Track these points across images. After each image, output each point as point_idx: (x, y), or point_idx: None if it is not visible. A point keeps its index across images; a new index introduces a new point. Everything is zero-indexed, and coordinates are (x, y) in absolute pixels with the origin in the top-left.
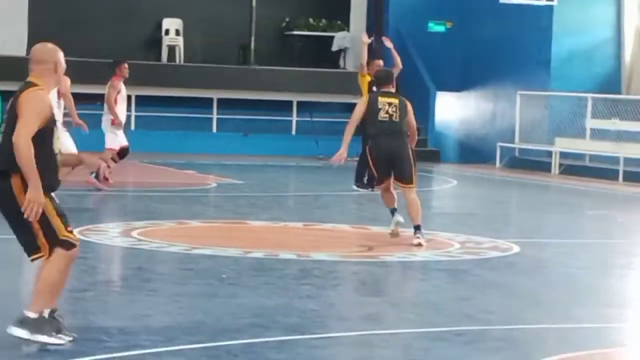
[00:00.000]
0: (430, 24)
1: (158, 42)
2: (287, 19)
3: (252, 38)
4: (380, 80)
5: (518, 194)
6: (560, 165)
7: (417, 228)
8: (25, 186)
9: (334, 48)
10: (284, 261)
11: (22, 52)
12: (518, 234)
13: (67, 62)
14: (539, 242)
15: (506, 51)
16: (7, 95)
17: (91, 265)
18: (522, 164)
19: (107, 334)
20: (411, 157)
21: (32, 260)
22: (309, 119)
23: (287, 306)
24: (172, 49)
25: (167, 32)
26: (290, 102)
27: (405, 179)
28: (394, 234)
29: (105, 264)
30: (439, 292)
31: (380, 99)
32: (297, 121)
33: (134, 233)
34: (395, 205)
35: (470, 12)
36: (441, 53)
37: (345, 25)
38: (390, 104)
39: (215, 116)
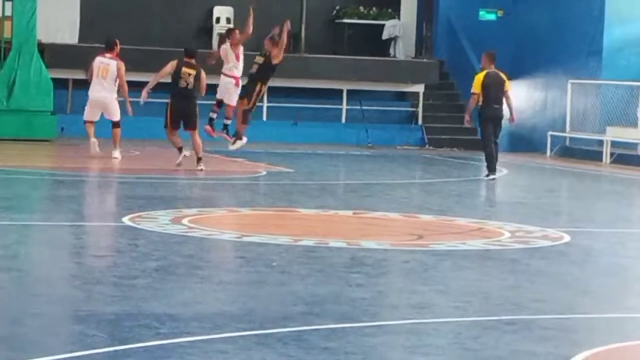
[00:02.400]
0: (481, 12)
1: (209, 30)
2: (338, 7)
3: (303, 26)
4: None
5: (568, 183)
6: (612, 154)
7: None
8: None
9: (384, 36)
10: (334, 249)
11: (74, 40)
12: (569, 223)
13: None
14: (589, 232)
15: (557, 40)
16: (60, 82)
17: (142, 252)
18: (573, 153)
19: (158, 321)
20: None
21: None
22: (358, 107)
23: (338, 294)
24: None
25: (217, 20)
26: (340, 91)
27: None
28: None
29: (155, 251)
30: (488, 280)
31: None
32: (347, 109)
33: (185, 220)
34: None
35: (521, 0)
36: (492, 41)
37: (395, 14)
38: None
39: (265, 104)
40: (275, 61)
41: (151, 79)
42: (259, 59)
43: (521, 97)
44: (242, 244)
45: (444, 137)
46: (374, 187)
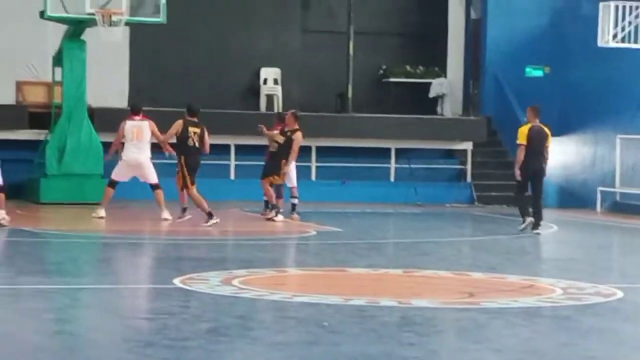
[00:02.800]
0: (528, 69)
1: (256, 91)
2: (384, 67)
3: (350, 86)
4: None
5: (620, 239)
6: None
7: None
8: None
9: (431, 94)
10: (385, 308)
11: (123, 104)
12: (621, 280)
13: (165, 112)
14: None
15: (605, 95)
16: (110, 146)
17: (193, 314)
18: (623, 208)
19: None
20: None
21: None
22: (407, 165)
23: (389, 354)
24: (270, 98)
25: (265, 81)
26: (388, 149)
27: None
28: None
29: (207, 312)
30: (541, 338)
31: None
32: (395, 168)
33: (235, 281)
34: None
35: (568, 56)
36: (539, 98)
37: (442, 72)
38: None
39: (313, 164)
40: (296, 142)
41: (162, 138)
42: (280, 138)
43: (570, 152)
44: (293, 304)
45: (493, 194)
46: (423, 245)
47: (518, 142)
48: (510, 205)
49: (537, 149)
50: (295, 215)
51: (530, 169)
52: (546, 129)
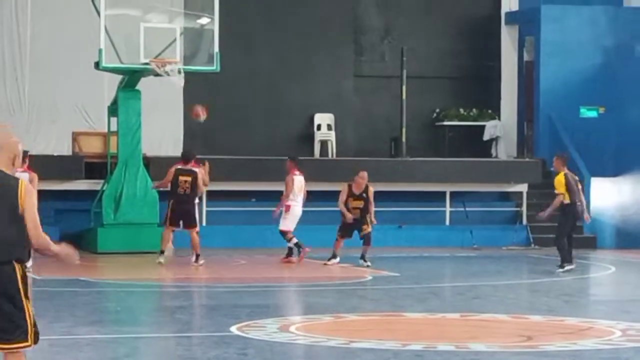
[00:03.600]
0: (582, 110)
1: (310, 137)
2: (438, 110)
3: (403, 130)
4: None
5: None
6: None
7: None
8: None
9: (486, 137)
10: (443, 353)
11: (178, 153)
12: None
13: (220, 160)
14: None
15: None
16: (165, 194)
17: None
18: None
19: None
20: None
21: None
22: (462, 208)
23: None
24: (324, 144)
25: (319, 127)
26: (444, 193)
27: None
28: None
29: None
30: None
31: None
32: (450, 211)
33: (292, 328)
34: None
35: (622, 96)
36: (594, 138)
37: (496, 114)
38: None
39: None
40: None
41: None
42: (358, 203)
43: (626, 193)
44: (350, 350)
45: (549, 236)
46: (480, 288)
47: (557, 191)
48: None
49: (577, 194)
50: (294, 258)
51: (573, 212)
52: (575, 176)
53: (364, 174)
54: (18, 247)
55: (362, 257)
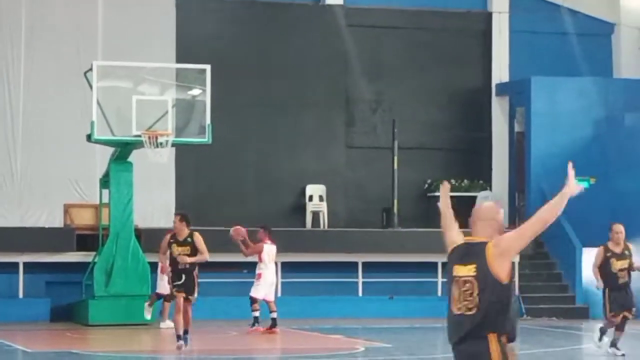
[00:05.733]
0: None
1: (302, 208)
2: (429, 181)
3: (395, 201)
4: None
5: None
6: None
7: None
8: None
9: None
10: None
11: (169, 224)
12: None
13: (211, 232)
14: None
15: None
16: (157, 266)
17: None
18: None
19: None
20: None
21: None
22: None
23: None
24: (316, 215)
25: (310, 198)
26: (435, 263)
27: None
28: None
29: None
30: None
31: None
32: (442, 282)
33: None
34: None
35: (613, 166)
36: (586, 209)
37: (487, 185)
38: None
39: (360, 280)
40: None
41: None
42: (622, 263)
43: None
44: None
45: (542, 306)
46: None
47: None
48: (560, 318)
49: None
50: (276, 329)
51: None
52: None
53: (620, 227)
54: None
55: (614, 344)
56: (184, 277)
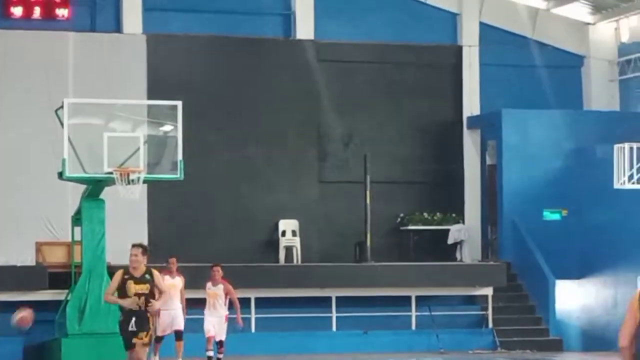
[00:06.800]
0: (546, 213)
1: (275, 243)
2: (402, 214)
3: (368, 235)
4: None
5: None
6: None
7: None
8: None
9: (450, 241)
10: None
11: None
12: None
13: (183, 268)
14: None
15: (624, 236)
16: None
17: None
18: None
19: None
20: None
21: None
22: (428, 313)
23: None
24: (289, 250)
25: (283, 233)
26: (409, 297)
27: None
28: None
29: None
30: None
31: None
32: (416, 316)
33: None
34: None
35: (585, 198)
36: (558, 241)
37: (460, 218)
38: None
39: (334, 315)
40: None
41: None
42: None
43: (591, 295)
44: None
45: (515, 339)
46: None
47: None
48: (534, 350)
49: None
50: None
51: None
52: None
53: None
54: None
55: None
56: (134, 319)
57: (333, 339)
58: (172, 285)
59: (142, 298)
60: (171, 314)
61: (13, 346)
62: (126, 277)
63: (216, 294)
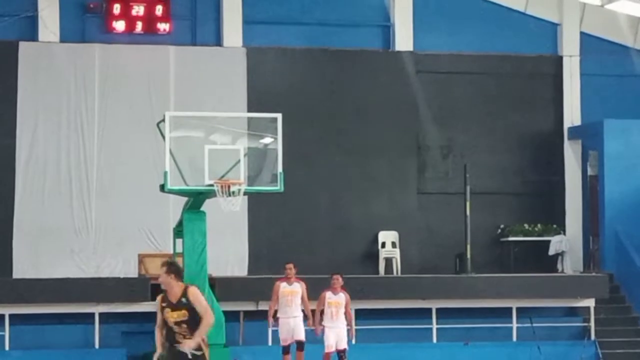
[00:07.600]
0: None
1: (375, 254)
2: (502, 226)
3: (468, 246)
4: None
5: None
6: None
7: None
8: None
9: (551, 252)
10: None
11: (243, 273)
12: None
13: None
14: None
15: None
16: (231, 314)
17: None
18: None
19: None
20: None
21: None
22: (529, 324)
23: None
24: (389, 261)
25: (383, 244)
26: (510, 309)
27: None
28: None
29: None
30: None
31: None
32: (517, 327)
33: None
34: None
35: None
36: None
37: (561, 229)
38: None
39: (434, 326)
40: None
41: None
42: None
43: None
44: None
45: (619, 351)
46: None
47: None
48: None
49: None
50: None
51: None
52: None
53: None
54: None
55: None
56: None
57: (434, 350)
58: (291, 292)
59: (184, 326)
60: (290, 322)
61: (117, 357)
62: (164, 304)
63: (338, 302)
